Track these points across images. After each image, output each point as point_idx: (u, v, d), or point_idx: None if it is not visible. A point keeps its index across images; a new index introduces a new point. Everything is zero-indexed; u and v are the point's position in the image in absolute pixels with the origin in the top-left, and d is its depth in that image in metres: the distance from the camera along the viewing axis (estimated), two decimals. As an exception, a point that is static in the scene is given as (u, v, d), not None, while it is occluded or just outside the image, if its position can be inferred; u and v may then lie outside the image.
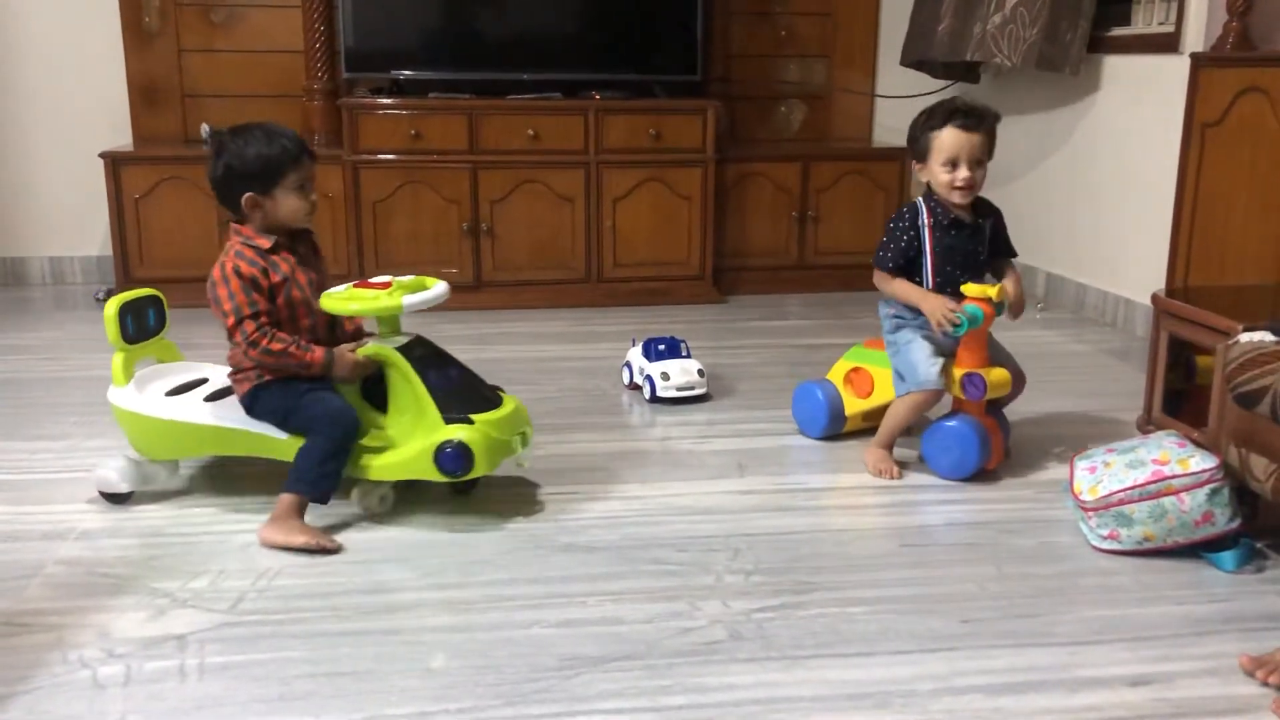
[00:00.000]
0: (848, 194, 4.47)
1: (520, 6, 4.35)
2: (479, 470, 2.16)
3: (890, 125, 4.87)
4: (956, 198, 2.46)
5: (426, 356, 2.25)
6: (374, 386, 2.26)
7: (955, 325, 2.39)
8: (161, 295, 2.42)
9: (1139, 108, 3.74)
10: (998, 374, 2.46)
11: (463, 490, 2.36)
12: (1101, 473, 2.16)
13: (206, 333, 3.68)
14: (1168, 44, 3.57)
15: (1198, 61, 3.17)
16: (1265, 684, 1.67)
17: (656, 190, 4.23)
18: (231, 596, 1.93)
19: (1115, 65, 3.87)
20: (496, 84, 4.23)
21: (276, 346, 2.16)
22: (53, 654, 1.74)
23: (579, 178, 4.18)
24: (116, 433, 2.74)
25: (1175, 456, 2.10)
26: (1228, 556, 2.05)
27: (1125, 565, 2.08)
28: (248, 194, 2.21)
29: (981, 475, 2.49)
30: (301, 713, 1.59)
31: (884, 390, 2.61)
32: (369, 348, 2.23)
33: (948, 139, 2.44)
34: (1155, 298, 2.65)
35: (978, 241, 2.53)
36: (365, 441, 2.21)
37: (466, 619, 1.86)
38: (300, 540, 2.11)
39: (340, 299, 2.21)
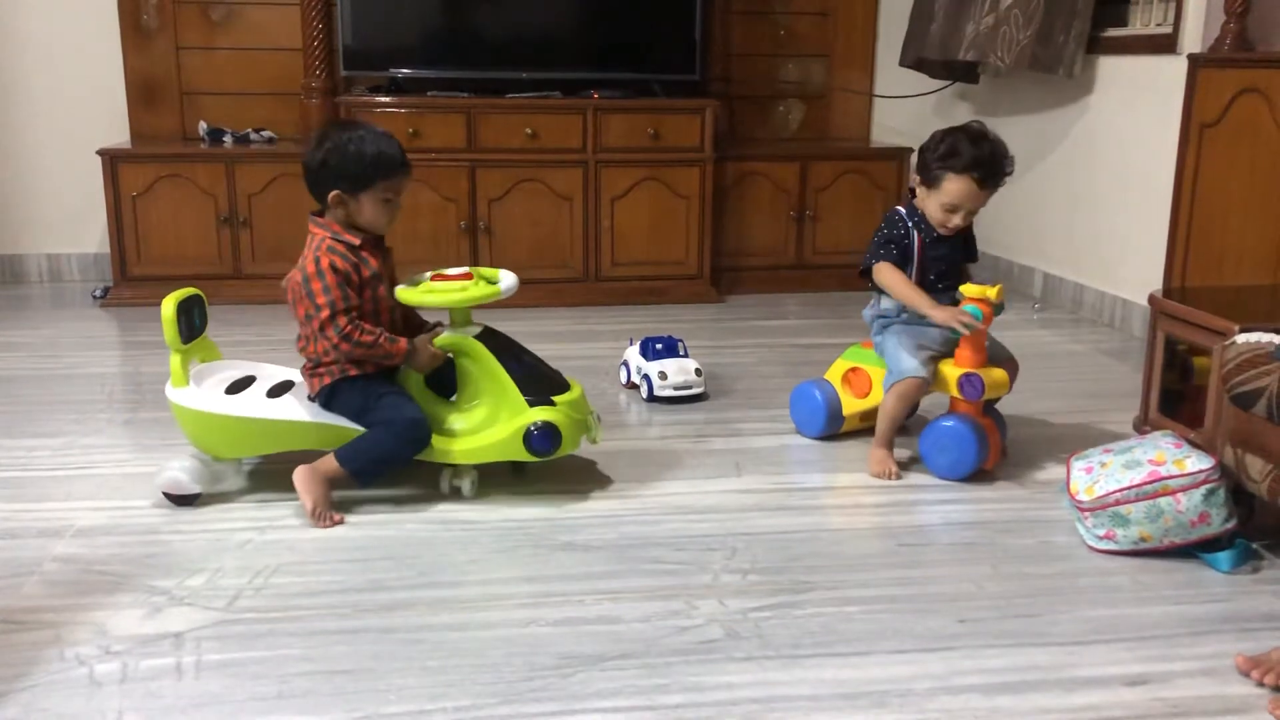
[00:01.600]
0: (846, 193, 4.48)
1: (519, 5, 4.35)
2: (565, 449, 2.27)
3: (889, 125, 4.87)
4: (942, 232, 2.52)
5: (501, 345, 2.34)
6: (436, 376, 2.36)
7: (967, 326, 2.39)
8: (203, 294, 2.41)
9: (1137, 108, 3.74)
10: (996, 374, 2.46)
11: (519, 469, 2.45)
12: (1098, 473, 2.17)
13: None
14: (1166, 45, 3.57)
15: (1195, 62, 3.18)
16: (1261, 684, 1.67)
17: (655, 189, 4.23)
18: (228, 594, 1.93)
19: (1113, 66, 3.87)
20: (495, 83, 4.23)
21: (367, 339, 2.22)
22: (50, 651, 1.73)
23: (577, 177, 4.18)
24: (113, 430, 2.76)
25: (1172, 457, 2.10)
26: (1224, 557, 2.05)
27: (1122, 565, 2.08)
28: (335, 190, 2.25)
29: (978, 475, 2.49)
30: (299, 711, 1.59)
31: (881, 390, 2.61)
32: (445, 338, 2.31)
33: (960, 189, 2.43)
34: (1152, 298, 2.66)
35: (956, 249, 2.58)
36: (447, 427, 2.30)
37: (464, 617, 1.86)
38: (309, 503, 2.20)
39: (430, 292, 2.27)
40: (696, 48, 4.37)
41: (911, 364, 2.45)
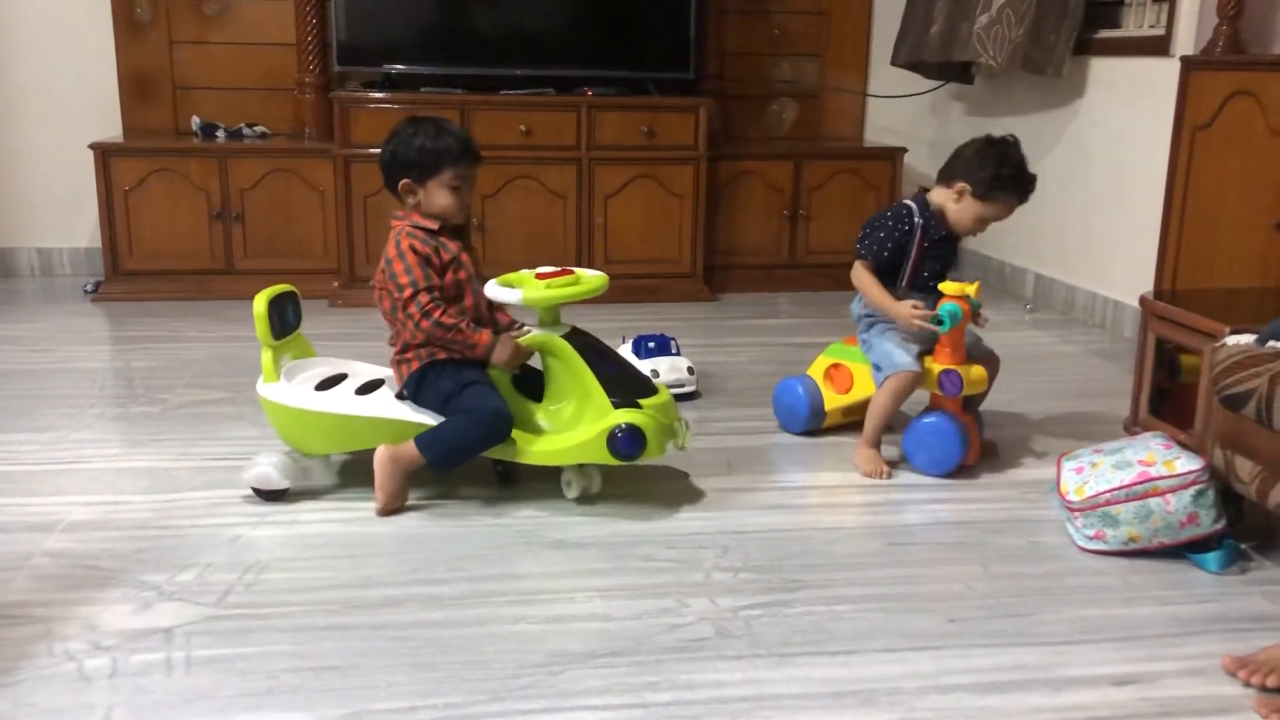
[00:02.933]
0: (839, 193, 4.48)
1: (513, 2, 4.34)
2: (651, 453, 2.21)
3: (883, 125, 4.88)
4: (961, 234, 2.57)
5: (588, 345, 2.30)
6: (523, 377, 2.36)
7: (939, 324, 2.40)
8: (297, 291, 2.42)
9: (1130, 110, 3.75)
10: (975, 371, 2.47)
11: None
12: (1088, 473, 2.17)
13: (196, 325, 3.69)
14: (1158, 47, 3.58)
15: (1188, 64, 3.19)
16: (1248, 684, 1.67)
17: (648, 187, 4.23)
18: (219, 590, 1.92)
19: (1106, 67, 3.88)
20: (489, 79, 4.22)
21: (449, 320, 2.24)
22: (39, 646, 1.73)
23: (571, 174, 4.18)
24: (104, 425, 2.75)
25: (1161, 458, 2.11)
26: (1212, 558, 2.06)
27: (1111, 565, 2.09)
28: (404, 179, 2.31)
29: (968, 474, 2.50)
30: (288, 707, 1.59)
31: (863, 385, 2.64)
32: (533, 336, 2.29)
33: (1007, 210, 2.52)
34: (1143, 300, 2.66)
35: (951, 251, 2.62)
36: (533, 427, 2.29)
37: (454, 614, 1.86)
38: (384, 494, 2.23)
39: (550, 290, 2.23)
40: (691, 46, 4.37)
41: (905, 359, 2.46)
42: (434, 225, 2.31)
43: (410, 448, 2.23)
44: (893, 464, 2.54)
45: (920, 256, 2.54)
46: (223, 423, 2.76)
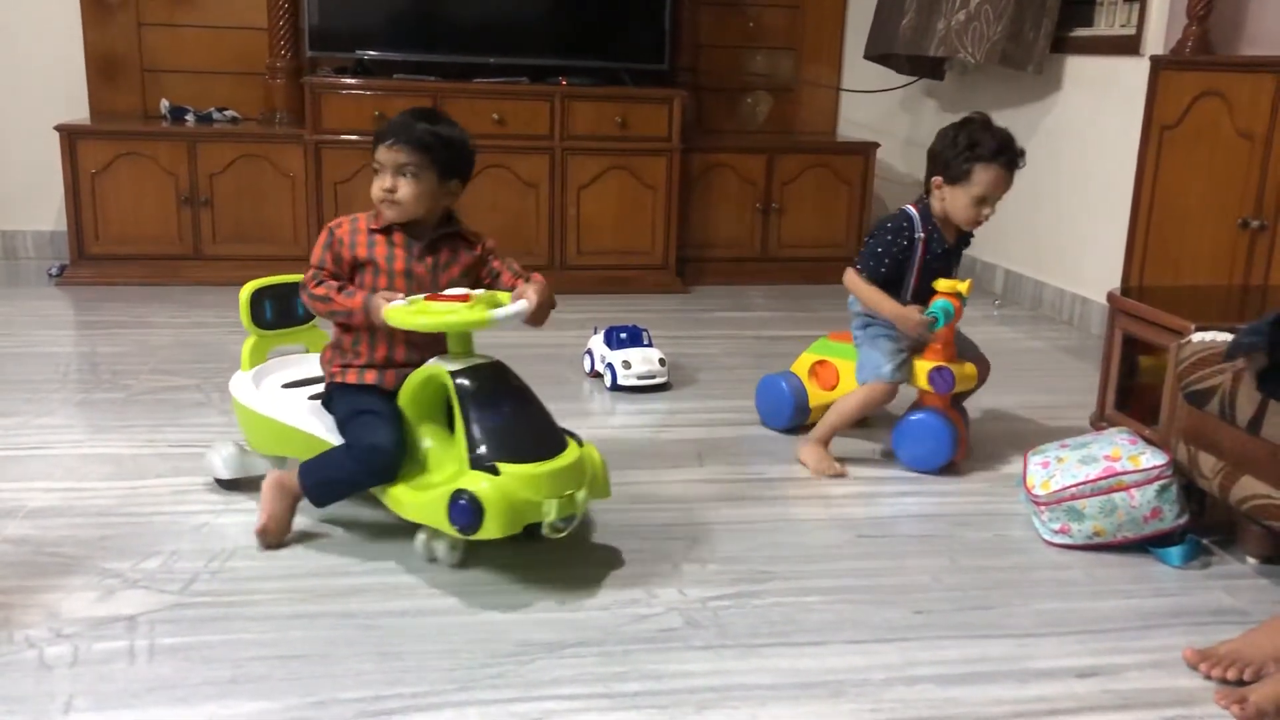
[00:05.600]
0: (812, 187, 4.49)
1: (488, -10, 4.33)
2: (488, 533, 1.82)
3: (856, 119, 4.89)
4: (967, 227, 2.47)
5: (483, 386, 1.95)
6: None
7: (933, 320, 2.40)
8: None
9: (1100, 108, 3.78)
10: (967, 368, 2.49)
11: (531, 534, 1.96)
12: (1054, 468, 2.19)
13: (163, 311, 3.65)
14: (1129, 46, 3.61)
15: (1157, 64, 3.22)
16: (1208, 677, 1.70)
17: (622, 178, 4.23)
18: (184, 578, 1.90)
19: (1077, 65, 3.91)
20: (462, 67, 4.20)
21: (320, 291, 2.06)
22: (-1, 633, 1.71)
23: (544, 164, 4.17)
24: (67, 411, 2.71)
25: (1126, 453, 2.13)
26: (1174, 552, 2.08)
27: (1076, 559, 2.11)
28: None
29: (940, 468, 2.51)
30: (253, 695, 1.58)
31: (848, 383, 2.62)
32: (429, 367, 2.00)
33: (990, 177, 2.38)
34: (1111, 296, 2.69)
35: (953, 262, 2.57)
36: (424, 475, 2.00)
37: (421, 603, 1.86)
38: (261, 520, 2.04)
39: (408, 313, 1.93)
40: (665, 37, 4.37)
41: (887, 370, 2.44)
42: (376, 223, 2.07)
43: (293, 480, 2.05)
44: (876, 458, 2.54)
45: (923, 271, 2.48)
46: (188, 409, 2.73)
